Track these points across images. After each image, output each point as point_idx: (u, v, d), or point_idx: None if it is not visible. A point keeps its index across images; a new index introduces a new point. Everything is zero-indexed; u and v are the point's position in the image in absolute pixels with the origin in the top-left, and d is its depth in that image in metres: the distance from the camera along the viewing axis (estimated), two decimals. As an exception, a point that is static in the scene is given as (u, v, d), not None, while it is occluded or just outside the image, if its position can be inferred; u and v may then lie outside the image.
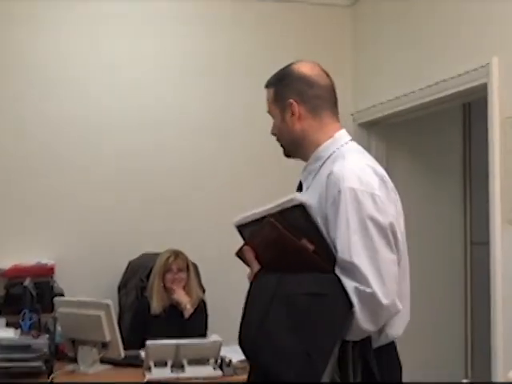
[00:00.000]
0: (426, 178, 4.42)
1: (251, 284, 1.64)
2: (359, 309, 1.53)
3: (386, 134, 4.33)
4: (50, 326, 3.00)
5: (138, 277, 3.78)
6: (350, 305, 1.53)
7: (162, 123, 4.12)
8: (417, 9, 3.78)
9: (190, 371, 2.83)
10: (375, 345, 1.62)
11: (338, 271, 1.57)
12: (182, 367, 2.84)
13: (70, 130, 3.96)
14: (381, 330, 1.62)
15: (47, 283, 3.60)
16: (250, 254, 1.65)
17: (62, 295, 3.52)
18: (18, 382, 2.73)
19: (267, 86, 1.86)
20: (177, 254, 3.55)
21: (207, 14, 4.22)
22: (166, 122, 4.13)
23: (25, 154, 3.87)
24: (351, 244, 1.56)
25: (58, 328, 2.99)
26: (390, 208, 1.63)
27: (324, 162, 1.73)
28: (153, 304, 3.46)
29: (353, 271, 1.54)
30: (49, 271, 3.69)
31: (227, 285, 4.00)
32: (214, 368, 2.87)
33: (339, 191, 1.59)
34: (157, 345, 2.85)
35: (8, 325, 3.24)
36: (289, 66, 1.84)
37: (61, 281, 3.70)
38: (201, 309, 3.53)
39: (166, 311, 3.46)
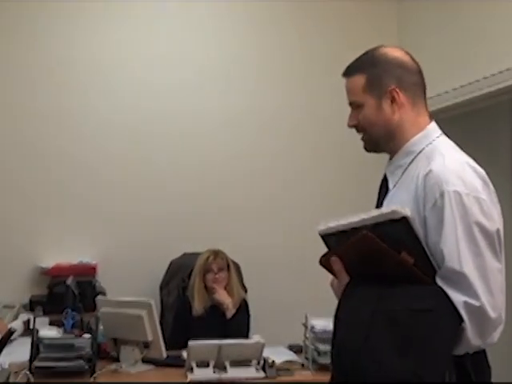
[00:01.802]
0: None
1: (342, 296, 1.53)
2: (469, 325, 1.42)
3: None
4: (92, 325, 2.99)
5: (179, 276, 3.77)
6: (459, 319, 1.42)
7: (214, 124, 4.13)
8: (464, 2, 3.67)
9: (232, 372, 2.80)
10: (471, 351, 1.50)
11: (440, 282, 1.46)
12: (224, 368, 2.81)
13: (118, 133, 3.97)
14: None
15: (89, 282, 3.63)
16: (338, 265, 1.54)
17: (104, 294, 3.54)
18: (60, 381, 2.73)
19: (353, 72, 1.68)
20: (216, 254, 3.51)
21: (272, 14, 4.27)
22: (218, 122, 4.14)
23: (71, 155, 3.89)
24: (461, 252, 1.44)
25: (100, 327, 2.99)
26: (494, 212, 1.51)
27: (414, 158, 1.61)
28: (194, 304, 3.42)
29: (461, 282, 1.43)
30: (91, 270, 3.71)
31: (270, 285, 3.98)
32: (257, 369, 2.84)
33: (441, 194, 1.48)
34: (199, 345, 2.82)
35: (51, 323, 3.26)
36: (375, 50, 1.68)
37: (103, 280, 3.73)
38: (243, 309, 3.49)
39: (207, 311, 3.42)
